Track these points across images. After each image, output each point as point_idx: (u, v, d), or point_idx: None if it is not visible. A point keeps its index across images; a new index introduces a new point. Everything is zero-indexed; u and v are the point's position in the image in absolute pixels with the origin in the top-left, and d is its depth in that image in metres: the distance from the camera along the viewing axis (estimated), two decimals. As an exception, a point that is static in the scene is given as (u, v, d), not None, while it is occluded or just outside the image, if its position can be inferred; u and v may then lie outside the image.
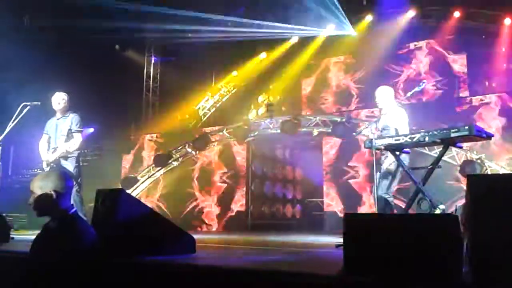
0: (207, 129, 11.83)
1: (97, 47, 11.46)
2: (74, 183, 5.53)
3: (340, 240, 2.66)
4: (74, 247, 2.57)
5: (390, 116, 5.51)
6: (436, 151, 7.64)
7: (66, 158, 5.69)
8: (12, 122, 5.85)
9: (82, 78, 10.17)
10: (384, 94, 5.64)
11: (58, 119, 5.93)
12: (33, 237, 3.06)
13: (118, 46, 13.59)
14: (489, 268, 2.17)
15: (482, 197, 2.26)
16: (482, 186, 2.30)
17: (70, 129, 5.77)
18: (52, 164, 5.66)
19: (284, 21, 11.78)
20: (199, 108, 14.33)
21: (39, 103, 6.01)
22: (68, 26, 10.48)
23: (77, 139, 5.76)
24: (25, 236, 5.76)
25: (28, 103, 5.90)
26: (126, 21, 11.24)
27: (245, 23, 12.02)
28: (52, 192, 2.74)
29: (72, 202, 5.37)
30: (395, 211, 5.78)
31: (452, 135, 4.31)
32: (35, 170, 8.85)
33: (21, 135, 6.22)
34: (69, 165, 5.69)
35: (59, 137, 5.77)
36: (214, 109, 14.56)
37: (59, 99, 5.92)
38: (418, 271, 2.26)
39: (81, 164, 6.02)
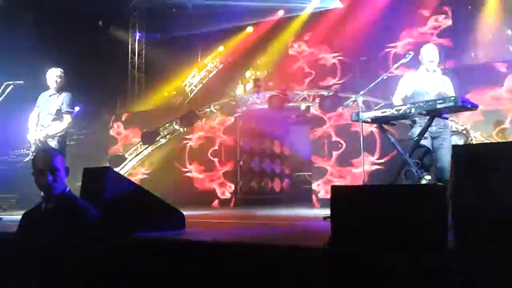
0: (194, 106, 11.75)
1: (80, 23, 11.24)
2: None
3: (328, 212, 2.69)
4: (79, 227, 2.53)
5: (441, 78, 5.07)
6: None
7: (53, 137, 5.61)
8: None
9: (66, 55, 9.97)
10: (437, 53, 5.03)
11: (50, 95, 5.77)
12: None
13: (101, 22, 13.32)
14: (473, 236, 2.21)
15: (465, 167, 2.29)
16: (465, 155, 2.33)
17: (59, 109, 5.65)
18: (37, 143, 5.57)
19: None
20: (186, 84, 14.21)
21: (22, 82, 5.89)
22: (49, 2, 10.26)
23: (66, 120, 5.65)
24: (14, 216, 5.73)
25: (11, 82, 5.78)
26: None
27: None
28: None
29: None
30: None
31: (438, 106, 4.32)
32: (22, 150, 8.74)
33: (4, 115, 6.12)
34: (56, 144, 5.62)
35: (47, 114, 5.67)
36: (201, 85, 14.43)
37: (55, 76, 5.73)
38: (405, 240, 2.30)
39: (67, 143, 5.95)
